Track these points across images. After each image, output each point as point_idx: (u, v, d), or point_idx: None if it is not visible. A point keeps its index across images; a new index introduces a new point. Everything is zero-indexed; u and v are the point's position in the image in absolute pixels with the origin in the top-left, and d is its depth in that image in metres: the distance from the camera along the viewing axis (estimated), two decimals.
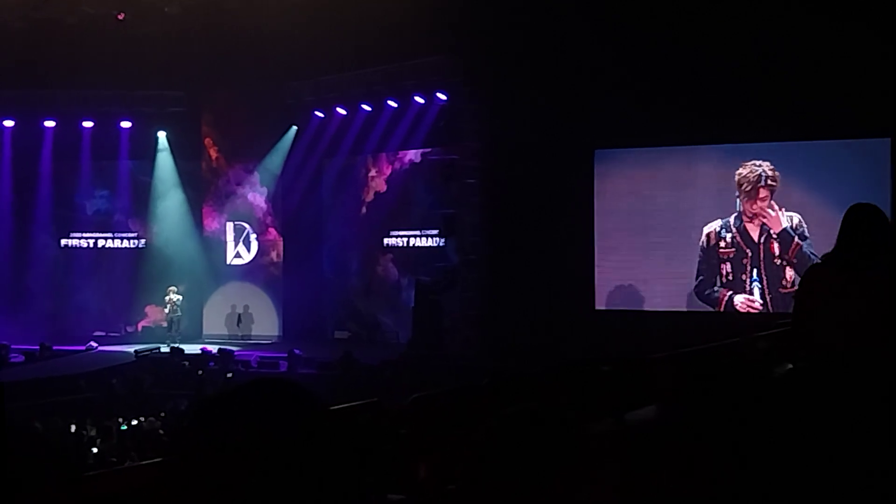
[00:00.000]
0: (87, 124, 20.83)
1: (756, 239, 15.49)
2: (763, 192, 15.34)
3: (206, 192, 21.45)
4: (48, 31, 18.54)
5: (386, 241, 20.08)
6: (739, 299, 15.58)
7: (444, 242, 18.44)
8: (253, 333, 20.56)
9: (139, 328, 21.19)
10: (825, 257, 4.14)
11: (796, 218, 15.13)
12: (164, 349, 18.57)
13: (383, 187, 20.28)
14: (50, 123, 20.82)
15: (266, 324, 20.74)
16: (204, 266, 21.14)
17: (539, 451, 1.55)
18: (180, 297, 20.15)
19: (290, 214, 21.04)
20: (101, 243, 21.63)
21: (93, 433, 11.48)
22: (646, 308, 16.26)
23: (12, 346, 18.34)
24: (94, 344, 19.74)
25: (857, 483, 2.35)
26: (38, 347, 18.55)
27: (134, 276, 21.23)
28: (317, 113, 20.42)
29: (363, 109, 19.73)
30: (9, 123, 20.78)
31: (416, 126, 19.15)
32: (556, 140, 15.89)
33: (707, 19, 14.30)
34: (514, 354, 14.78)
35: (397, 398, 5.59)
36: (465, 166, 17.47)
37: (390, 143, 19.72)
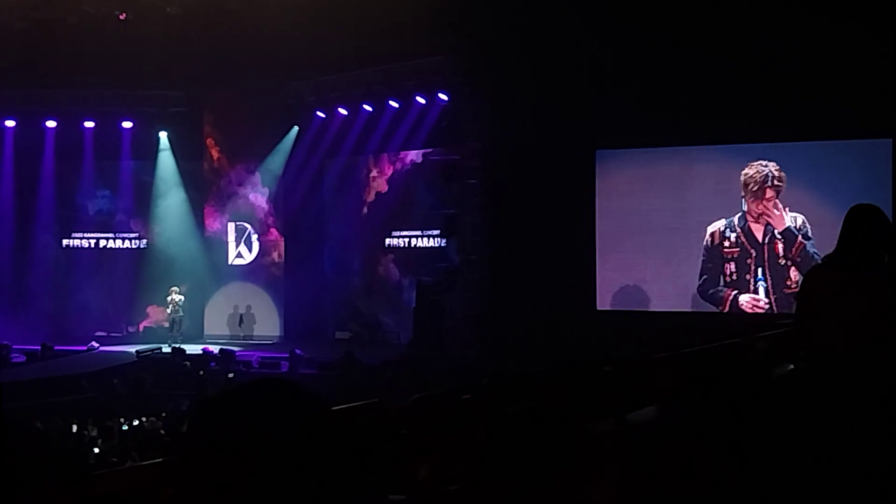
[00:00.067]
0: (89, 124, 20.83)
1: (760, 239, 15.49)
2: (769, 193, 15.36)
3: (207, 192, 21.45)
4: (49, 31, 18.55)
5: (387, 241, 20.08)
6: (745, 298, 15.58)
7: (446, 243, 18.45)
8: (254, 334, 20.57)
9: (140, 328, 21.19)
10: (826, 258, 4.15)
11: (800, 219, 15.14)
12: (166, 349, 18.57)
13: (385, 187, 20.28)
14: (51, 123, 20.83)
15: (267, 324, 20.75)
16: (205, 266, 21.15)
17: (539, 451, 1.55)
18: (182, 298, 20.17)
19: (292, 215, 21.05)
20: (102, 243, 21.64)
21: (94, 433, 11.48)
22: (647, 308, 16.25)
23: (14, 346, 18.34)
24: (95, 344, 19.74)
25: (858, 483, 2.36)
26: (39, 347, 18.56)
27: (135, 276, 21.23)
28: (318, 113, 20.42)
29: (364, 110, 19.73)
30: (10, 124, 20.79)
31: (418, 126, 19.15)
32: (558, 140, 15.89)
33: (707, 19, 14.31)
34: (514, 354, 14.78)
35: (398, 398, 5.58)
36: (466, 167, 17.48)
37: (391, 144, 19.73)
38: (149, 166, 21.33)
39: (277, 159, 20.83)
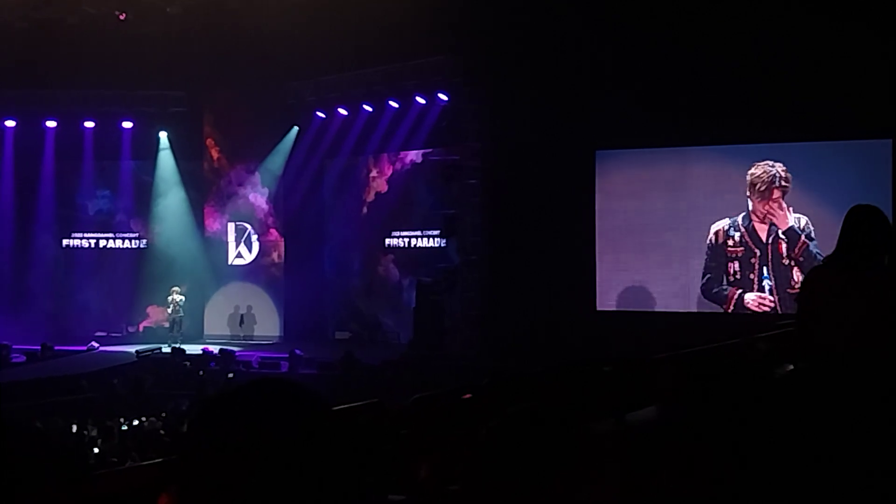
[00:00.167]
0: (89, 124, 20.83)
1: (764, 239, 15.50)
2: (776, 193, 15.38)
3: (207, 192, 21.46)
4: (49, 31, 18.55)
5: (387, 241, 20.09)
6: (751, 297, 15.59)
7: (445, 243, 18.44)
8: (254, 334, 20.57)
9: (140, 328, 21.20)
10: (826, 259, 4.16)
11: (804, 219, 15.15)
12: (166, 349, 18.58)
13: (384, 188, 20.29)
14: (51, 123, 20.83)
15: (267, 324, 20.75)
16: (205, 266, 21.15)
17: (539, 451, 1.55)
18: (183, 298, 20.17)
19: (292, 215, 21.05)
20: (102, 243, 21.65)
21: (94, 433, 11.48)
22: (647, 308, 16.26)
23: (14, 346, 18.35)
24: (95, 344, 19.75)
25: (858, 483, 2.36)
26: (39, 347, 18.56)
27: (135, 276, 21.24)
28: (318, 113, 20.43)
29: (364, 110, 19.74)
30: (10, 124, 20.79)
31: (418, 126, 19.15)
32: (557, 141, 15.90)
33: (708, 20, 14.31)
34: (514, 354, 14.78)
35: (398, 398, 5.58)
36: (466, 167, 17.48)
37: (391, 144, 19.73)
38: (149, 166, 21.34)
39: (277, 159, 20.84)
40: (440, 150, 18.50)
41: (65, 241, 21.59)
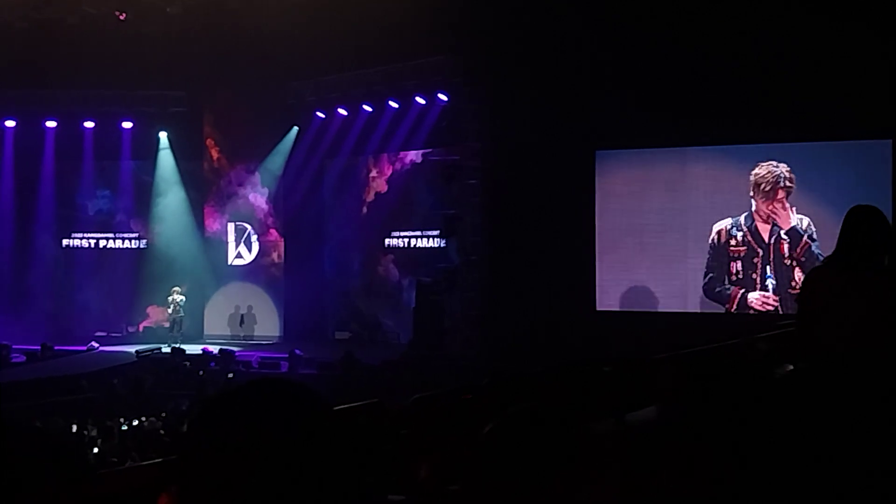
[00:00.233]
0: (89, 124, 20.84)
1: (767, 239, 15.51)
2: (780, 193, 15.39)
3: (207, 192, 21.46)
4: (49, 31, 18.54)
5: (387, 241, 20.09)
6: (754, 296, 15.59)
7: (445, 243, 18.44)
8: (254, 334, 20.58)
9: (140, 328, 21.20)
10: (826, 259, 4.16)
11: (806, 220, 15.15)
12: (166, 349, 18.58)
13: (384, 188, 20.29)
14: (51, 123, 20.84)
15: (267, 324, 20.75)
16: (205, 266, 21.15)
17: (539, 451, 1.55)
18: (183, 298, 20.17)
19: (292, 215, 21.05)
20: (102, 243, 21.65)
21: (94, 433, 11.48)
22: (647, 308, 16.26)
23: (14, 346, 18.35)
24: (95, 344, 19.75)
25: (858, 483, 2.36)
26: (39, 347, 18.56)
27: (135, 276, 21.24)
28: (318, 113, 20.43)
29: (364, 110, 19.73)
30: (10, 124, 20.80)
31: (418, 126, 19.15)
32: (557, 141, 15.90)
33: (707, 19, 14.31)
34: (514, 354, 14.77)
35: (398, 398, 5.58)
36: (466, 167, 17.48)
37: (391, 144, 19.73)
38: (149, 166, 21.34)
39: (277, 159, 20.84)
40: (440, 150, 18.49)
41: (65, 241, 21.60)
